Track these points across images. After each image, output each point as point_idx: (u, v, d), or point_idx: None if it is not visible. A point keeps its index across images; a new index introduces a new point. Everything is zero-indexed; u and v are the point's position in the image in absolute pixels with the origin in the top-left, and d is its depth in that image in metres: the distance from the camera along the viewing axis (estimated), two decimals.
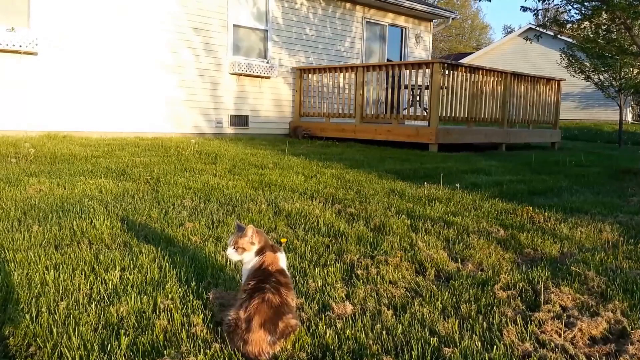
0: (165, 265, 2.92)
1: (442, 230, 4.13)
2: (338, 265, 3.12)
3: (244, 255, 2.28)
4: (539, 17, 10.11)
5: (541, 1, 8.47)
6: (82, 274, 2.73)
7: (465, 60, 36.63)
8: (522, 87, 13.28)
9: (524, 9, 8.97)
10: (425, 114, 12.04)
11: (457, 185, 5.84)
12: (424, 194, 5.66)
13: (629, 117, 29.09)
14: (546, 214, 4.87)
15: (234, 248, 2.28)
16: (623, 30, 8.04)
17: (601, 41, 8.77)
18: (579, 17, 8.44)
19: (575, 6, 8.14)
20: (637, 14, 7.46)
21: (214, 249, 3.30)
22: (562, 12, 8.99)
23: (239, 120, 12.91)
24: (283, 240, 3.47)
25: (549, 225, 4.49)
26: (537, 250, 3.74)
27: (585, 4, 8.03)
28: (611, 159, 11.83)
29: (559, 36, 9.38)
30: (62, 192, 4.68)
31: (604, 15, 8.20)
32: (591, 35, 9.05)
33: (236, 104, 12.83)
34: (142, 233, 3.56)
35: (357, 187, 6.00)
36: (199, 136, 11.98)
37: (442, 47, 50.49)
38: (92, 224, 3.66)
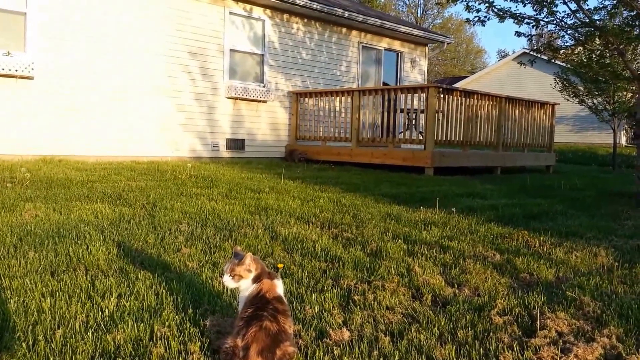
0: (162, 291, 2.92)
1: (439, 254, 4.14)
2: (335, 291, 3.13)
3: (241, 282, 2.29)
4: (533, 42, 10.21)
5: (535, 27, 8.57)
6: (78, 302, 2.72)
7: (460, 84, 36.95)
8: (517, 111, 13.37)
9: (519, 34, 9.09)
10: (421, 137, 12.11)
11: (453, 209, 5.86)
12: (420, 218, 5.67)
13: (622, 140, 29.26)
14: (541, 238, 4.89)
15: (231, 275, 2.28)
16: (616, 55, 8.13)
17: (595, 66, 8.87)
18: (573, 42, 8.55)
19: (568, 32, 8.24)
20: (630, 39, 7.56)
21: (211, 274, 3.30)
22: (555, 38, 9.10)
23: (236, 143, 12.96)
24: (280, 265, 3.47)
25: (545, 249, 4.50)
26: (533, 274, 3.75)
27: (579, 29, 8.13)
28: (606, 182, 11.88)
29: (552, 60, 9.47)
30: (58, 217, 4.68)
31: (597, 41, 8.30)
32: (585, 60, 9.15)
33: (232, 127, 12.88)
34: (138, 259, 3.56)
35: (354, 211, 6.01)
36: (196, 160, 12.00)
37: (437, 70, 50.87)
38: (88, 249, 3.66)
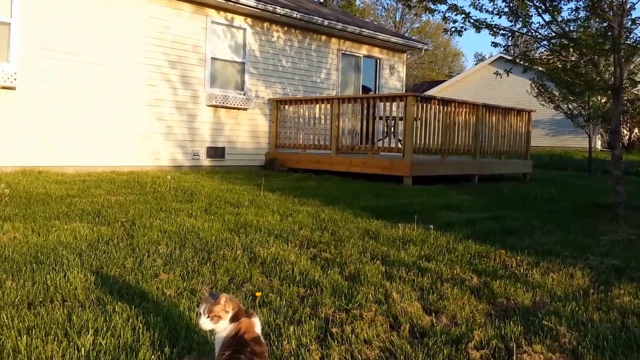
0: (139, 325, 2.90)
1: (417, 278, 4.16)
2: (312, 322, 3.13)
3: (219, 323, 2.28)
4: (510, 51, 10.29)
5: (510, 38, 8.66)
6: (55, 339, 2.69)
7: (438, 88, 37.24)
8: (494, 118, 13.50)
9: (495, 44, 9.15)
10: (399, 145, 12.16)
11: (431, 226, 5.89)
12: (398, 235, 5.70)
13: (598, 144, 29.62)
14: (518, 258, 4.94)
15: (209, 317, 2.28)
16: (590, 67, 8.24)
17: (570, 74, 8.98)
18: (547, 52, 8.63)
19: (542, 43, 8.33)
20: (603, 51, 7.68)
21: (188, 304, 3.29)
22: (531, 50, 9.20)
23: (216, 152, 12.92)
24: (258, 294, 3.47)
25: (521, 270, 4.55)
26: (510, 299, 3.79)
27: (553, 41, 8.22)
28: (582, 191, 12.03)
29: (529, 67, 9.52)
30: (36, 239, 4.63)
31: (571, 51, 8.39)
32: (559, 66, 9.22)
33: (212, 135, 12.84)
34: (116, 287, 3.54)
35: (333, 227, 6.03)
36: (176, 169, 11.95)
37: (415, 74, 51.11)
38: (66, 277, 3.63)
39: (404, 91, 17.76)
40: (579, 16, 7.81)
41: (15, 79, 9.73)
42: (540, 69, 9.59)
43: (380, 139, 13.13)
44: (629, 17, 7.83)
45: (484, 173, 13.25)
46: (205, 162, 12.76)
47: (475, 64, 39.74)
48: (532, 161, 15.64)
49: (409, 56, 18.05)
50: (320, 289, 3.76)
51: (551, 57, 9.09)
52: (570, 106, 18.08)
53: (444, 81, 40.85)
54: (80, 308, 3.14)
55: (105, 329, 2.85)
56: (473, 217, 7.25)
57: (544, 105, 19.20)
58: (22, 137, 10.05)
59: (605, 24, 8.00)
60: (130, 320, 2.98)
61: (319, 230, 5.79)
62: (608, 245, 5.83)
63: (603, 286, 4.17)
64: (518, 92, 27.20)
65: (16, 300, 3.20)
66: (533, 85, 18.84)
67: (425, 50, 17.99)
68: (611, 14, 7.32)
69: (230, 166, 12.90)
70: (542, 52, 8.96)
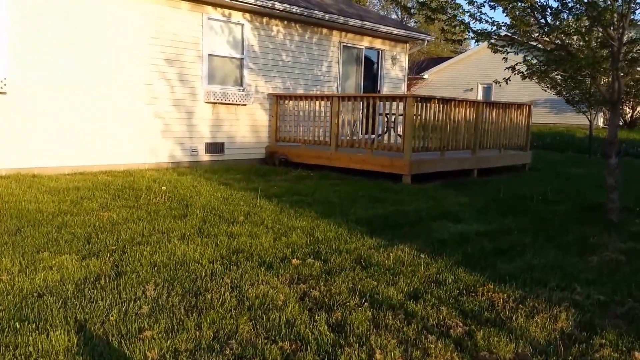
0: None
1: (403, 326, 4.17)
2: None
3: None
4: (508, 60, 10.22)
5: (509, 46, 8.61)
6: None
7: (442, 65, 37.05)
8: (494, 113, 13.48)
9: (495, 50, 9.07)
10: (399, 141, 12.14)
11: (422, 255, 5.88)
12: (389, 263, 5.71)
13: (600, 122, 29.57)
14: (505, 294, 4.94)
15: None
16: (588, 79, 8.17)
17: (568, 84, 8.93)
18: (545, 67, 8.57)
19: (540, 59, 8.27)
20: (603, 69, 7.62)
21: None
22: (529, 63, 9.13)
23: (215, 147, 12.92)
24: None
25: (507, 311, 4.56)
26: (493, 352, 3.81)
27: (554, 52, 8.15)
28: (578, 184, 12.10)
29: (527, 75, 9.48)
30: (22, 282, 4.63)
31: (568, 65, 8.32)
32: (559, 79, 9.16)
33: (212, 131, 12.83)
34: (98, 349, 3.56)
35: (325, 249, 6.06)
36: (174, 165, 11.99)
37: (420, 50, 50.59)
38: (49, 337, 3.65)
39: (405, 79, 17.65)
40: (581, 30, 7.69)
41: (5, 84, 9.71)
42: (541, 67, 9.50)
43: (380, 135, 13.09)
44: (629, 32, 7.76)
45: (483, 167, 13.26)
46: (205, 157, 12.77)
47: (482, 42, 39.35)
48: (534, 142, 15.77)
49: (411, 47, 17.88)
50: (305, 346, 3.77)
51: (549, 72, 9.04)
52: (572, 93, 18.07)
53: (449, 58, 40.57)
54: None
55: None
56: (467, 232, 7.26)
57: (546, 91, 19.21)
58: (16, 140, 10.06)
59: (604, 38, 7.92)
60: None
61: (311, 257, 5.80)
62: (597, 268, 5.85)
63: (586, 332, 4.18)
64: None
65: None
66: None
67: (427, 41, 17.79)
68: (612, 29, 7.23)
69: (229, 161, 12.93)
70: (541, 65, 8.91)
